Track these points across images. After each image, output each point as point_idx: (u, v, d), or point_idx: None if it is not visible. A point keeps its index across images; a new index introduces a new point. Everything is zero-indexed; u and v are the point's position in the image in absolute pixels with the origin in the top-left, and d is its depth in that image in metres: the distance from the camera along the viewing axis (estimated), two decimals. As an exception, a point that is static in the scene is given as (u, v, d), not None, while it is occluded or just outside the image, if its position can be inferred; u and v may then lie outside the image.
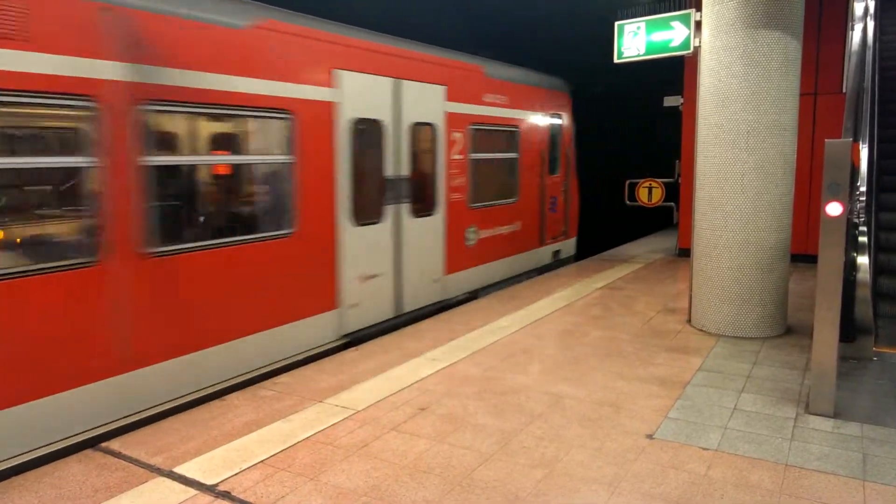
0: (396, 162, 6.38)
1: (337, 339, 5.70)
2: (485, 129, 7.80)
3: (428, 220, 6.90)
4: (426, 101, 6.76)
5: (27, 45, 3.50)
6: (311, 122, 5.36)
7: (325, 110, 5.49)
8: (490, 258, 7.93)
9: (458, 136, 7.31)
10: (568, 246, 10.02)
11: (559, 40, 10.84)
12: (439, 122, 6.97)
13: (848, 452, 3.43)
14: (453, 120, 7.19)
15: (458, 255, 7.38)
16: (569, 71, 10.25)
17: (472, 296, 7.63)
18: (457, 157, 7.34)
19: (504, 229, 8.24)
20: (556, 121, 9.52)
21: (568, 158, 9.72)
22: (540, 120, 9.00)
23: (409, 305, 6.64)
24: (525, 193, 8.60)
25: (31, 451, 3.57)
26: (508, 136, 8.30)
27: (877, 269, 5.85)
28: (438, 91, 6.93)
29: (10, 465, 3.43)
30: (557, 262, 9.63)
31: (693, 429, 3.74)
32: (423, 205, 6.84)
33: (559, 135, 9.59)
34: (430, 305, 6.91)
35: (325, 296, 5.59)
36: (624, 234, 12.71)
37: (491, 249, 7.96)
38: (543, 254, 9.23)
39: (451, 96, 7.14)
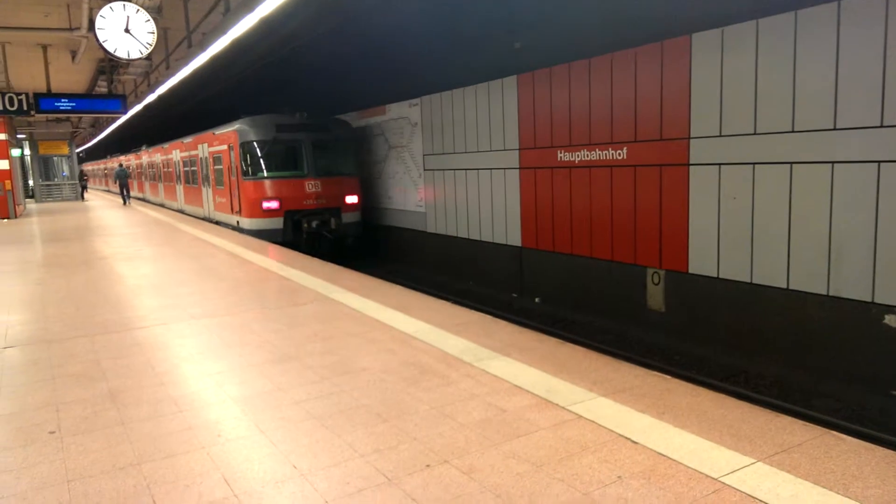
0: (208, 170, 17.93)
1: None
2: (214, 155, 16.91)
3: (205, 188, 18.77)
4: (204, 149, 17.83)
5: None
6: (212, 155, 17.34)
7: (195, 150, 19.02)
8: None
9: (206, 157, 17.93)
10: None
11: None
12: (207, 154, 17.57)
13: None
14: (209, 154, 17.44)
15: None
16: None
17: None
18: (217, 167, 16.79)
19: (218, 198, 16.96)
20: (222, 150, 16.10)
21: (231, 169, 15.40)
22: (220, 150, 16.28)
23: None
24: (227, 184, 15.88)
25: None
26: (217, 157, 16.79)
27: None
28: (206, 146, 17.54)
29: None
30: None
31: None
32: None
33: (229, 156, 15.45)
34: None
35: None
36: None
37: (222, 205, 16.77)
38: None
39: (210, 145, 17.09)
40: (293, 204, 14.06)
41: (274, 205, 13.91)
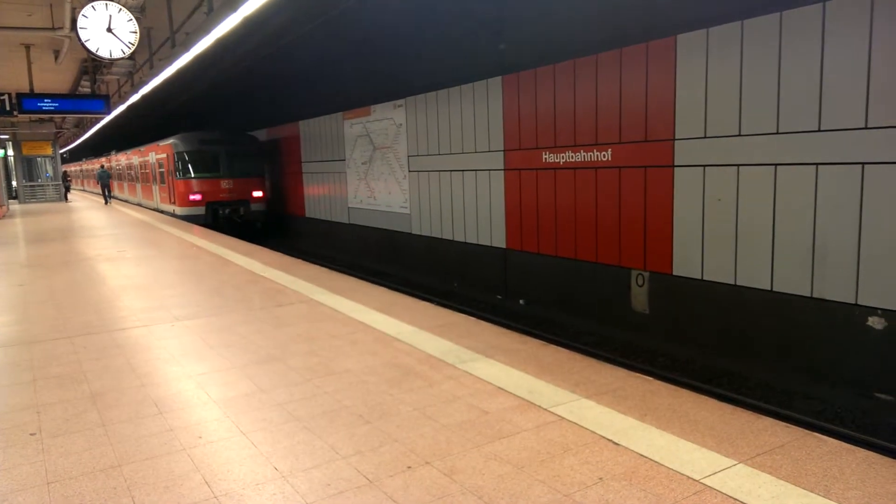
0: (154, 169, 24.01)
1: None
2: (158, 161, 22.28)
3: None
4: (153, 156, 23.00)
5: None
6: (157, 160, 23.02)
7: (147, 157, 24.49)
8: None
9: (154, 162, 22.97)
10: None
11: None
12: (155, 160, 22.62)
13: None
14: (156, 160, 22.60)
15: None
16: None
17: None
18: (161, 170, 21.90)
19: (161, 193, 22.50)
20: (163, 157, 21.30)
21: (169, 171, 20.61)
22: (162, 158, 21.44)
23: None
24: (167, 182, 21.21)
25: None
26: (160, 162, 21.89)
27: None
28: (154, 153, 22.59)
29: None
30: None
31: None
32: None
33: (167, 162, 20.65)
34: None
35: None
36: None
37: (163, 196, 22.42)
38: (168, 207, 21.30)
39: (156, 153, 22.29)
40: (212, 197, 19.45)
41: (198, 197, 19.31)
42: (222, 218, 19.35)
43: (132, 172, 28.79)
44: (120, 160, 32.58)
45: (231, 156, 19.71)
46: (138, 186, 27.69)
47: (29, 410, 3.96)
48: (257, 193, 20.06)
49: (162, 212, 21.78)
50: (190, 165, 19.49)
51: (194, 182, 19.40)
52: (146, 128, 32.43)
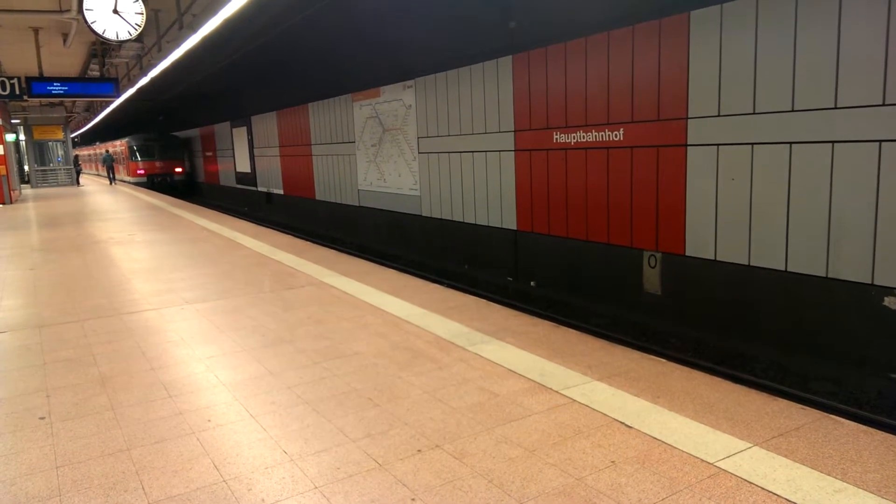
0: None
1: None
2: (121, 150, 36.49)
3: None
4: (119, 147, 37.11)
5: None
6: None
7: (117, 147, 38.12)
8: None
9: (120, 150, 36.95)
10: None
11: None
12: (120, 149, 36.90)
13: None
14: (120, 150, 37.03)
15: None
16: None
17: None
18: (123, 156, 36.42)
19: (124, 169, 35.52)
20: (123, 148, 34.96)
21: (127, 156, 34.06)
22: (123, 148, 35.27)
23: None
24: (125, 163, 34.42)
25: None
26: (122, 150, 36.41)
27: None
28: (119, 145, 36.86)
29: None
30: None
31: None
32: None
33: (126, 151, 34.10)
34: None
35: None
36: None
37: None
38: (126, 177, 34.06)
39: (120, 146, 36.81)
40: (151, 171, 32.04)
41: (142, 171, 32.04)
42: (157, 183, 31.47)
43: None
44: (103, 149, 46.66)
45: (161, 147, 32.79)
46: (114, 165, 42.45)
47: (38, 394, 3.96)
48: (178, 169, 32.99)
49: (124, 181, 34.67)
50: (137, 153, 32.36)
51: (140, 162, 32.19)
52: (154, 112, 34.47)
